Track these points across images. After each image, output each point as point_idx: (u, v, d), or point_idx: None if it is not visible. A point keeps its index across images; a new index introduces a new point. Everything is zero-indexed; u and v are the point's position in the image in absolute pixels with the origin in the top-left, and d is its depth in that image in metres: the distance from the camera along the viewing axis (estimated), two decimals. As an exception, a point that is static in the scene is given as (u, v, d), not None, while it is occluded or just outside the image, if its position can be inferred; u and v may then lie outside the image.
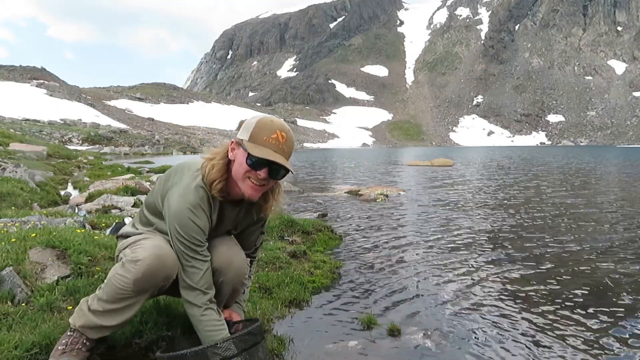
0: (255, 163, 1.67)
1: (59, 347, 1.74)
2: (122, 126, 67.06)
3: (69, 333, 1.79)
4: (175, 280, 1.78)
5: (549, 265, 4.13)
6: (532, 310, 3.03)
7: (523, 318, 2.89)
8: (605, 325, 2.79)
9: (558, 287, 3.50)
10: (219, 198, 1.75)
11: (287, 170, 1.72)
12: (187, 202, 1.67)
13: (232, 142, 1.74)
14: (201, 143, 61.69)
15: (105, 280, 1.74)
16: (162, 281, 1.71)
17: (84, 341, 1.76)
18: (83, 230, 3.33)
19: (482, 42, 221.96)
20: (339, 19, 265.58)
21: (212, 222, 1.77)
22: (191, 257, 1.70)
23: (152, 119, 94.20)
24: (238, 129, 1.85)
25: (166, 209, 1.72)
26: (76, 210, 6.06)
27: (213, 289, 1.78)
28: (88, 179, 11.16)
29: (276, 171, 1.71)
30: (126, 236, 1.92)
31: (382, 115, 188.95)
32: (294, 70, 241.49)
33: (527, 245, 4.99)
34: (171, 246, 1.73)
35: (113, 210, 5.94)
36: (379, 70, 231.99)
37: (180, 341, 1.91)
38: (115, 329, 1.80)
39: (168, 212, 1.71)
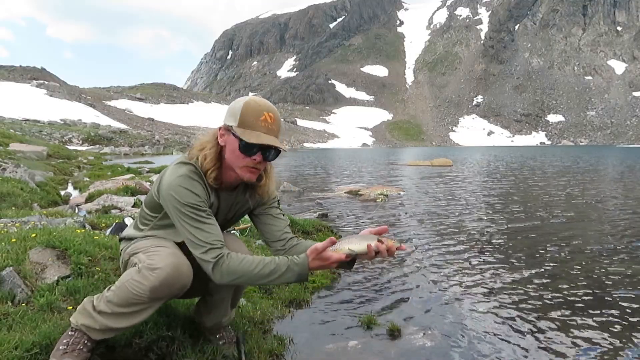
0: (248, 148, 1.67)
1: (60, 347, 1.72)
2: (122, 126, 67.07)
3: (70, 333, 1.76)
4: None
5: (549, 265, 4.13)
6: (532, 309, 3.03)
7: (523, 318, 2.89)
8: (605, 325, 2.79)
9: (558, 287, 3.51)
10: (214, 185, 1.76)
11: (278, 151, 1.75)
12: (178, 174, 1.68)
13: (220, 128, 1.73)
14: (201, 143, 61.55)
15: (116, 283, 1.71)
16: (177, 290, 1.70)
17: (85, 341, 1.74)
18: (83, 231, 3.32)
19: (482, 42, 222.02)
20: (339, 19, 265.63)
21: (210, 196, 1.75)
22: (196, 226, 1.64)
23: (152, 119, 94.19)
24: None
25: (161, 191, 1.71)
26: (76, 211, 6.06)
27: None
28: (88, 179, 11.16)
29: (269, 153, 1.73)
30: (130, 239, 1.90)
31: (382, 115, 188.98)
32: (294, 70, 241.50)
33: (527, 244, 4.99)
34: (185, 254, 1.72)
35: (113, 211, 5.93)
36: (379, 70, 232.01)
37: (181, 341, 1.90)
38: (121, 331, 1.78)
39: (162, 189, 1.70)
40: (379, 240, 1.58)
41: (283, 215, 1.99)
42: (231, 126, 1.68)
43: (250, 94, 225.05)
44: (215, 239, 1.66)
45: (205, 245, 1.64)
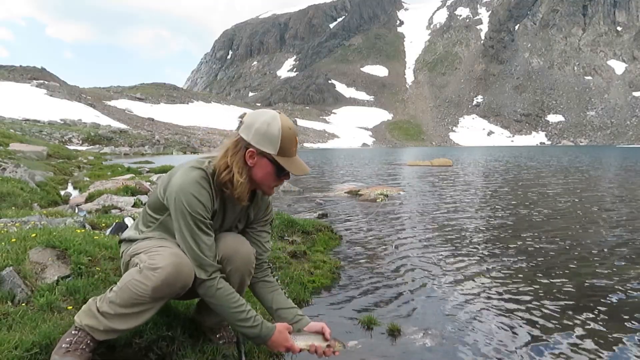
0: (284, 173, 1.78)
1: (63, 345, 1.71)
2: (122, 126, 67.08)
3: (73, 332, 1.75)
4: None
5: (549, 265, 4.13)
6: (532, 309, 3.03)
7: (523, 317, 2.89)
8: (604, 324, 2.79)
9: (558, 286, 3.51)
10: (236, 201, 1.83)
11: None
12: (189, 177, 1.71)
13: (251, 150, 1.75)
14: (201, 143, 61.66)
15: (118, 284, 1.72)
16: (179, 289, 1.71)
17: (88, 342, 1.74)
18: (83, 230, 3.32)
19: (482, 42, 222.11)
20: (339, 19, 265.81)
21: (214, 204, 1.78)
22: (194, 237, 1.71)
23: (152, 119, 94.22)
24: (240, 123, 1.84)
25: (169, 192, 1.73)
26: (76, 211, 6.06)
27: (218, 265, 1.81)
28: (88, 179, 11.16)
29: None
30: (130, 240, 1.90)
31: (382, 115, 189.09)
32: (294, 70, 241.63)
33: (527, 244, 4.99)
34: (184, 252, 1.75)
35: (113, 210, 5.93)
36: (379, 70, 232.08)
37: (181, 341, 1.90)
38: (125, 332, 1.79)
39: (170, 190, 1.72)
40: (328, 345, 1.83)
41: (268, 242, 2.09)
42: (270, 154, 1.74)
43: (250, 94, 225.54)
44: (210, 254, 1.73)
45: (198, 260, 1.71)
